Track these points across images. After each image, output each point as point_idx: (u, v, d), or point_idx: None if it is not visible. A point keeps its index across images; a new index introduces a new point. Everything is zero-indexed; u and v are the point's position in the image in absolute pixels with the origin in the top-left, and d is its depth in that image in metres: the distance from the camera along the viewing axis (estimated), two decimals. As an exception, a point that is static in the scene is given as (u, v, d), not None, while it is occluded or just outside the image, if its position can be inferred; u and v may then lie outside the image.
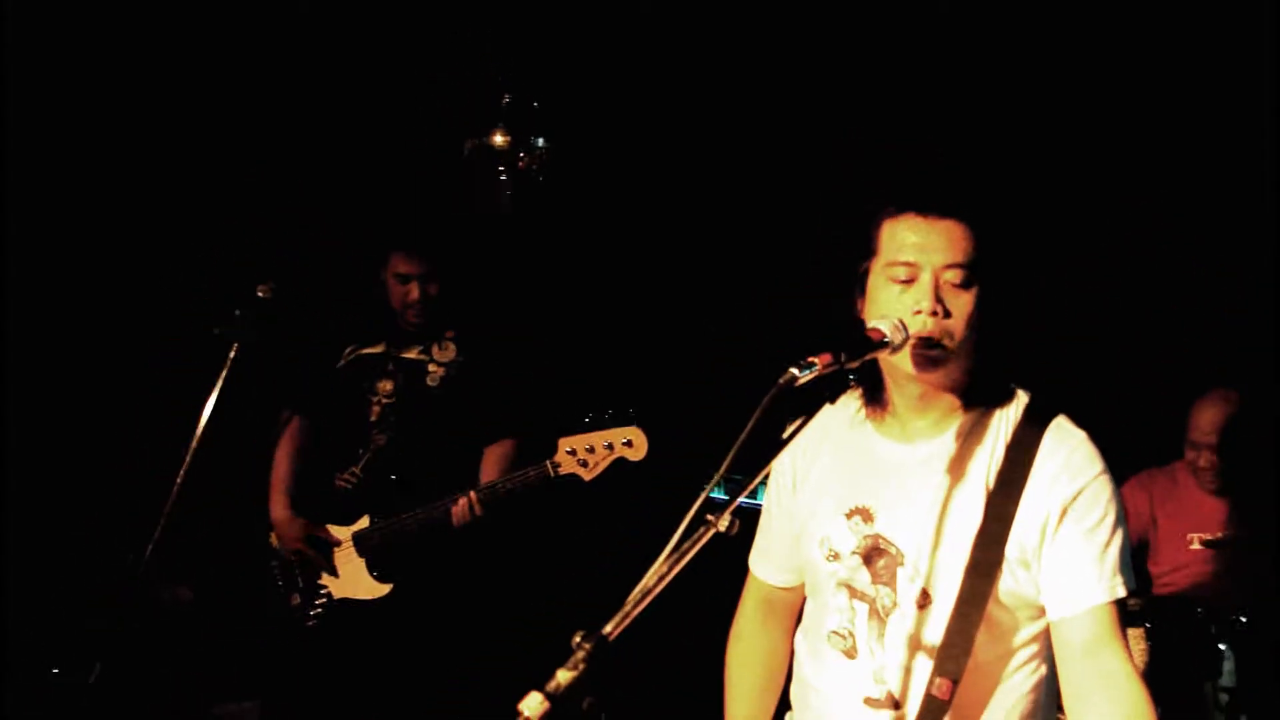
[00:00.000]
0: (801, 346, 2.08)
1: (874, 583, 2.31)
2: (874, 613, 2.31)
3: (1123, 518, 2.22)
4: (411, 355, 4.11)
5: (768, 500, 2.59)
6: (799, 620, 2.58)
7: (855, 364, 2.07)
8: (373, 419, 4.06)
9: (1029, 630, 2.26)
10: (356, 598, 3.95)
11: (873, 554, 2.31)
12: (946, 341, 2.19)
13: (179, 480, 3.69)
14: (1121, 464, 4.53)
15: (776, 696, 2.60)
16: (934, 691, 2.18)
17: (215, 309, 3.81)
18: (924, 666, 2.23)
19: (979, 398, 2.28)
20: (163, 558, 3.75)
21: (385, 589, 3.92)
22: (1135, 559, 4.45)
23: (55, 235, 4.65)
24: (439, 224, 4.30)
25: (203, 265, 4.62)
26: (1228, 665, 3.79)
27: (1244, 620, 3.86)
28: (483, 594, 4.06)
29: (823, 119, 4.94)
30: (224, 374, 3.75)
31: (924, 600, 2.25)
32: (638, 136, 4.88)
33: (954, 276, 2.18)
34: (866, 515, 2.33)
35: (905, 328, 2.15)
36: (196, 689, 4.19)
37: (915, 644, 2.25)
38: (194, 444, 3.71)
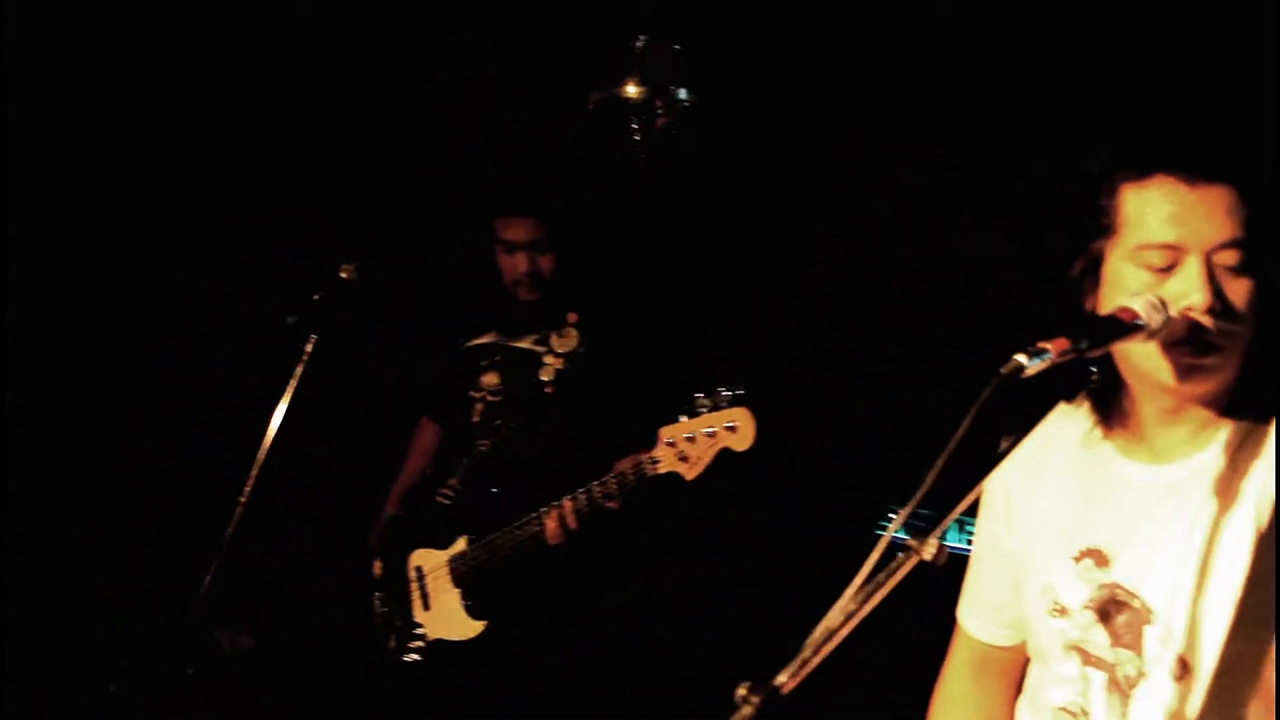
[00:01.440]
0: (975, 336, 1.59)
1: (1113, 645, 1.80)
2: (1114, 684, 1.80)
3: None
4: (525, 345, 3.53)
5: (978, 538, 2.08)
6: (1019, 686, 2.08)
7: (1099, 351, 1.59)
8: (475, 420, 3.53)
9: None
10: (450, 638, 3.40)
11: (1110, 608, 1.80)
12: (1224, 343, 1.67)
13: (244, 498, 3.21)
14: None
15: None
16: None
17: (290, 293, 3.32)
18: None
19: (1247, 406, 1.73)
20: (224, 592, 3.26)
21: (478, 627, 3.37)
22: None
23: (108, 214, 4.24)
24: (551, 183, 3.71)
25: (277, 241, 4.13)
26: None
27: None
28: (591, 634, 3.45)
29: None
30: (300, 370, 3.25)
31: (1181, 670, 1.73)
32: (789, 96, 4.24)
33: (1229, 258, 1.64)
34: (1101, 558, 1.81)
35: (1165, 306, 1.64)
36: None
37: None
38: (263, 454, 3.22)
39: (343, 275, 3.30)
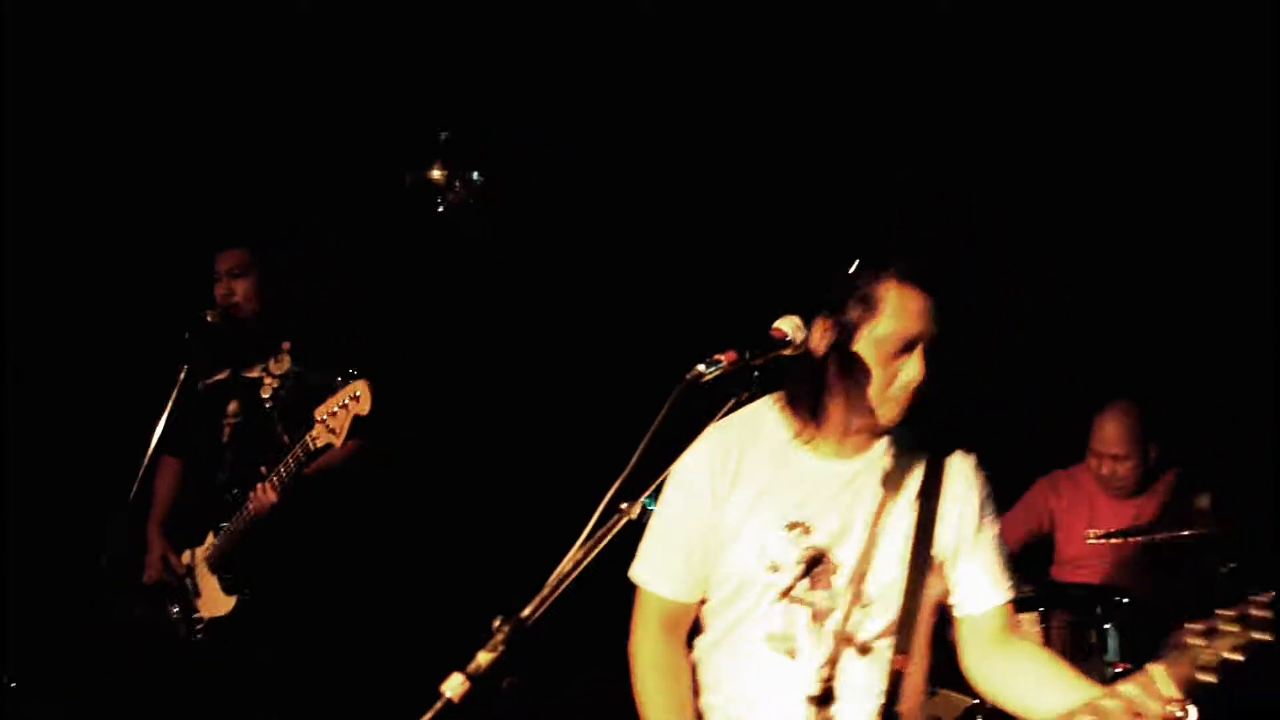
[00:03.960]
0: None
1: (813, 589, 2.34)
2: (815, 617, 2.34)
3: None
4: (253, 374, 3.95)
5: (665, 515, 2.47)
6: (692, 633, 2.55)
7: (760, 360, 2.10)
8: (224, 440, 3.94)
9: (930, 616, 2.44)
10: (218, 615, 3.82)
11: (812, 563, 2.35)
12: (912, 400, 2.31)
13: (133, 494, 3.66)
14: (1030, 463, 4.62)
15: (693, 709, 2.45)
16: (896, 666, 2.31)
17: (172, 332, 3.77)
18: (861, 661, 2.32)
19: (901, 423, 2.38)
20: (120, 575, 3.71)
21: (231, 602, 3.79)
22: (1035, 552, 4.51)
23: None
24: (251, 220, 4.11)
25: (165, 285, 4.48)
26: (1112, 643, 3.80)
27: (1125, 601, 3.87)
28: (327, 598, 3.86)
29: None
30: (175, 394, 3.68)
31: (863, 602, 2.33)
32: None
33: (934, 348, 2.28)
34: (806, 528, 2.35)
35: (805, 327, 2.20)
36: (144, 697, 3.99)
37: (854, 642, 2.32)
38: (145, 463, 3.68)
39: (208, 319, 3.77)
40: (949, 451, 2.42)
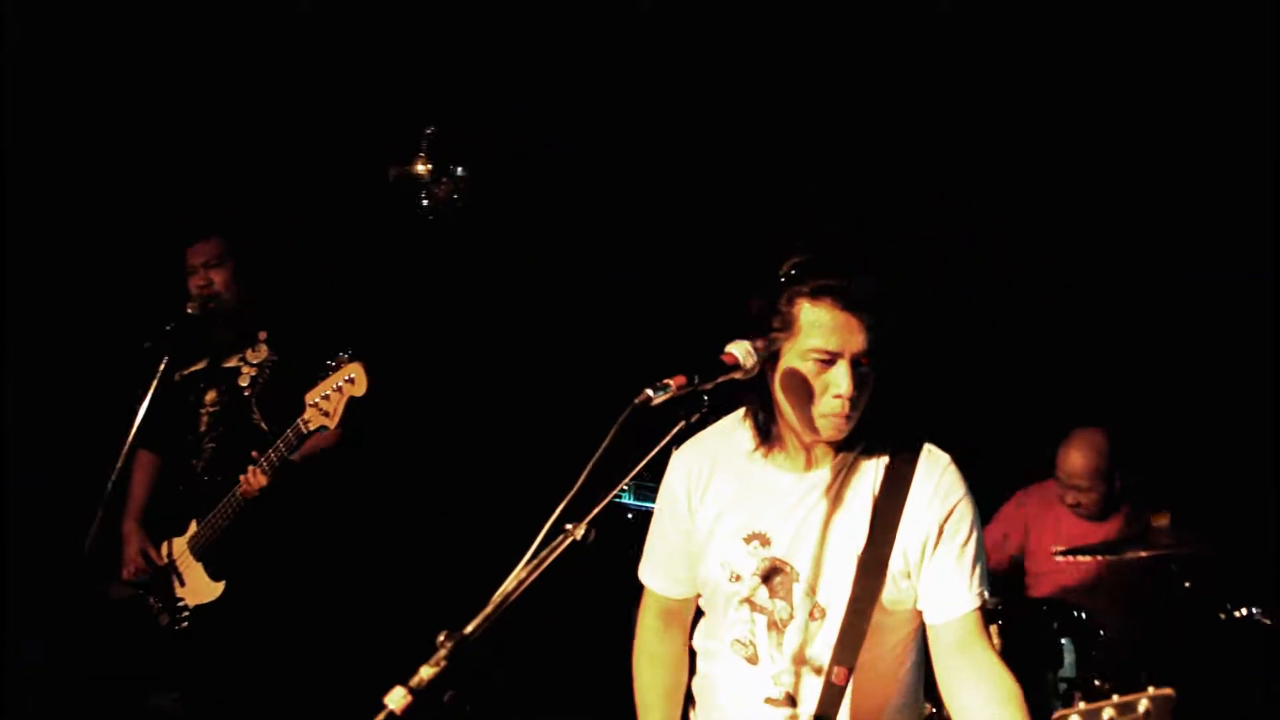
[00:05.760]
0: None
1: (772, 597, 2.38)
2: (773, 624, 2.38)
3: (980, 530, 2.39)
4: (230, 364, 3.95)
5: (659, 520, 2.59)
6: (694, 622, 2.63)
7: (710, 385, 2.12)
8: (202, 429, 3.94)
9: (905, 628, 2.41)
10: (204, 602, 3.82)
11: (771, 574, 2.38)
12: (855, 414, 2.29)
13: (112, 481, 3.64)
14: (1000, 474, 4.62)
15: (683, 695, 2.62)
16: (833, 679, 2.30)
17: (146, 325, 3.76)
18: (818, 667, 2.33)
19: (861, 434, 2.36)
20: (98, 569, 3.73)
21: (219, 588, 3.79)
22: (1011, 565, 4.51)
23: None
24: (223, 210, 4.08)
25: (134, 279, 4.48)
26: (1068, 658, 3.83)
27: (1083, 617, 3.90)
28: (315, 582, 3.87)
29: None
30: (155, 383, 3.67)
31: (817, 612, 2.34)
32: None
33: (863, 360, 2.26)
34: (764, 540, 2.38)
35: (756, 352, 2.20)
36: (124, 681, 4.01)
37: (809, 649, 2.34)
38: (125, 451, 3.65)
39: (188, 310, 3.76)
40: (915, 457, 2.37)
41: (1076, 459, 4.37)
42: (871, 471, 2.37)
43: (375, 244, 4.85)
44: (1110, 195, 4.76)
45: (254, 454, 3.60)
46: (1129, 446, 4.41)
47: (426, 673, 1.78)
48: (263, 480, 3.58)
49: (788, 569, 2.36)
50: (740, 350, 2.17)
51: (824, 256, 2.28)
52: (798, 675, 2.34)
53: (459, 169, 4.41)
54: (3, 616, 4.19)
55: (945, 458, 2.39)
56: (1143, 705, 1.73)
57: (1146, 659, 4.09)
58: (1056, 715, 1.80)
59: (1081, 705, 1.79)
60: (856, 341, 2.22)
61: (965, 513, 2.34)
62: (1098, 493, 4.38)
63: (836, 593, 2.32)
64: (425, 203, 4.39)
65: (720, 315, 2.36)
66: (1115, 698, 1.76)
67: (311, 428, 3.49)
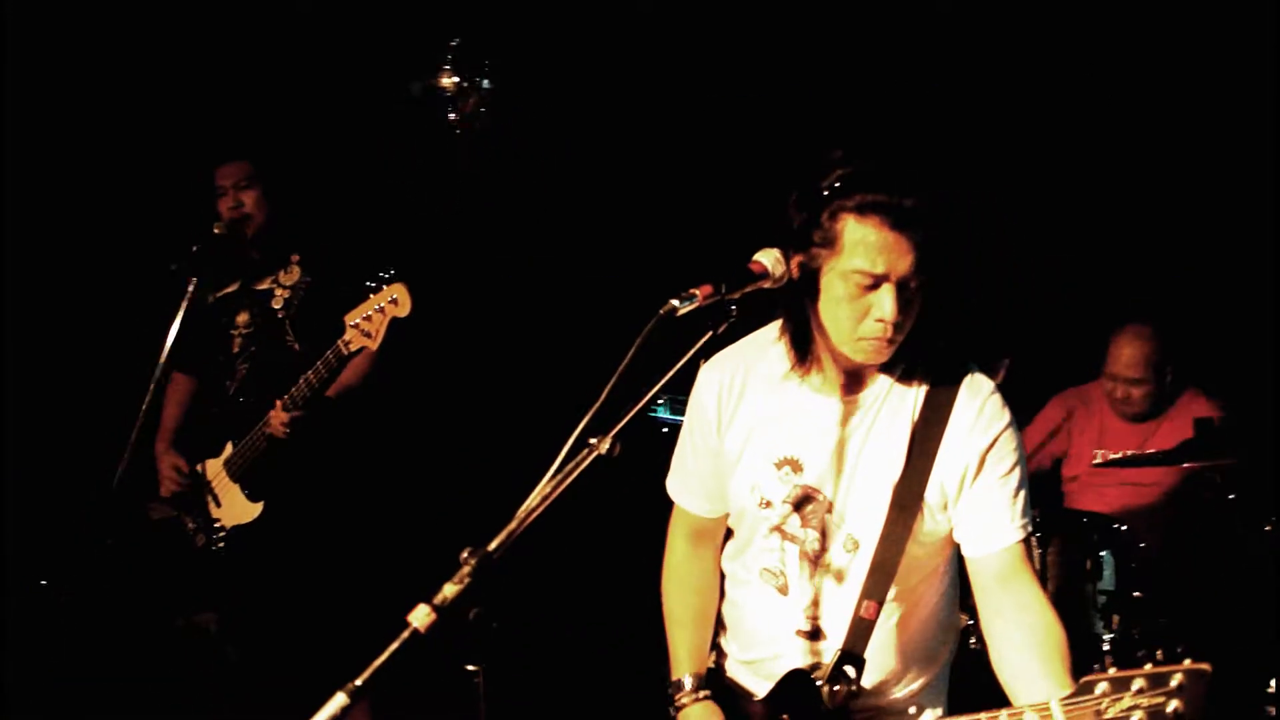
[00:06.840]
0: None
1: (803, 526, 2.27)
2: (804, 555, 2.28)
3: (1024, 460, 2.23)
4: (263, 286, 3.90)
5: (687, 434, 2.45)
6: (724, 541, 2.53)
7: (737, 294, 2.01)
8: (235, 351, 3.91)
9: (939, 560, 2.31)
10: (242, 523, 3.82)
11: (802, 502, 2.27)
12: (899, 338, 2.12)
13: (143, 409, 3.59)
14: (1045, 381, 4.55)
15: (714, 618, 2.52)
16: (862, 613, 2.20)
17: (174, 246, 3.68)
18: (849, 600, 2.23)
19: (902, 357, 2.20)
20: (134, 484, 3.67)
21: (258, 509, 3.78)
22: (1049, 472, 4.38)
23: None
24: (253, 133, 4.01)
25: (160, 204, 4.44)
26: (1107, 570, 3.76)
27: (1123, 529, 3.83)
28: (352, 502, 3.87)
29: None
30: (184, 305, 3.60)
31: (850, 544, 2.24)
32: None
33: (911, 283, 2.08)
34: (796, 466, 2.26)
35: (785, 260, 2.08)
36: (162, 601, 4.05)
37: (841, 581, 2.25)
38: (158, 373, 3.59)
39: (215, 231, 3.70)
40: (957, 385, 2.20)
41: (1128, 350, 4.24)
42: (911, 398, 2.22)
43: (404, 162, 4.78)
44: (1111, 192, 4.75)
45: (278, 403, 3.56)
46: (1180, 342, 4.31)
47: (450, 590, 1.74)
48: (296, 414, 3.56)
49: (819, 497, 2.24)
50: (769, 259, 2.06)
51: (872, 168, 2.08)
52: (830, 607, 2.25)
53: (485, 81, 4.30)
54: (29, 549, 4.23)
55: (989, 384, 2.23)
56: (1175, 679, 1.63)
57: (1187, 573, 4.01)
58: (1086, 678, 1.71)
59: (1112, 671, 1.70)
60: (904, 264, 2.03)
61: (1009, 442, 2.18)
62: (1149, 386, 4.25)
63: (869, 525, 2.21)
64: (452, 116, 4.29)
65: (754, 224, 2.23)
66: (1149, 667, 1.67)
67: (353, 349, 3.44)
